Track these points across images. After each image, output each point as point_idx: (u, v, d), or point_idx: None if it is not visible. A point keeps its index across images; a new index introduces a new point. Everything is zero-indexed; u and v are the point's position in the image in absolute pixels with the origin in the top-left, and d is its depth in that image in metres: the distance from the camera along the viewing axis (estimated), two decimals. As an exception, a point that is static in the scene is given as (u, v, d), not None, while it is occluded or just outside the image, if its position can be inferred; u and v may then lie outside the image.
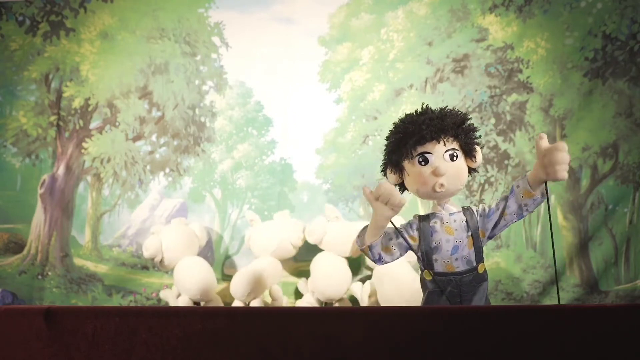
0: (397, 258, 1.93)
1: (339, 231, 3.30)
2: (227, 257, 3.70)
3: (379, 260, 1.89)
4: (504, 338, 1.29)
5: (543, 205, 3.55)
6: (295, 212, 3.67)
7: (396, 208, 1.75)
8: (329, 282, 3.23)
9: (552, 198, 3.53)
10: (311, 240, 3.35)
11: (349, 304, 3.30)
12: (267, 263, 3.36)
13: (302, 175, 3.75)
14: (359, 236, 1.90)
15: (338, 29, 3.80)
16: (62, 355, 1.33)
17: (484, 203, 2.05)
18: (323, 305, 3.28)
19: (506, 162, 3.55)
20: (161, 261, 3.40)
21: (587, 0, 3.53)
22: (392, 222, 1.84)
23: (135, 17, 3.88)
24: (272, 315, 1.43)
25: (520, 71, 3.60)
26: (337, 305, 3.28)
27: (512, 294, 3.41)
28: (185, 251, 3.42)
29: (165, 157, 3.86)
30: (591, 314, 1.33)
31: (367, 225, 1.88)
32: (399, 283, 3.10)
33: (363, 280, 3.35)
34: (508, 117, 3.58)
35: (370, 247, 1.87)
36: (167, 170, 3.85)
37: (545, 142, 1.74)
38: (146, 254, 3.41)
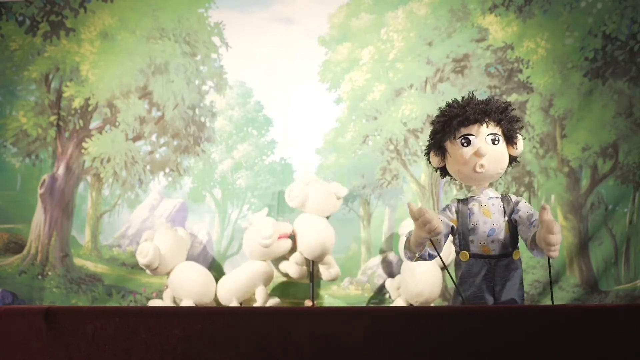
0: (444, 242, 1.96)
1: (317, 193, 3.40)
2: (228, 257, 3.70)
3: (430, 257, 1.92)
4: (504, 338, 1.29)
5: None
6: (295, 212, 3.66)
7: (432, 234, 1.77)
8: (316, 241, 3.32)
9: (552, 197, 3.54)
10: (293, 205, 3.43)
11: (334, 263, 3.43)
12: (251, 266, 3.40)
13: (302, 175, 3.74)
14: (404, 247, 1.93)
15: (338, 29, 3.80)
16: (62, 355, 1.33)
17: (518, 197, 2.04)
18: (310, 264, 3.41)
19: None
20: (156, 268, 3.32)
21: (587, 0, 3.53)
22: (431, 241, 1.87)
23: (135, 17, 3.88)
24: (272, 315, 1.43)
25: (520, 71, 3.60)
26: (324, 266, 3.42)
27: (512, 294, 3.41)
28: (177, 257, 3.42)
29: (165, 157, 3.86)
30: (591, 314, 1.33)
31: (408, 237, 1.90)
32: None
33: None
34: (508, 117, 3.58)
35: (420, 257, 1.91)
36: (167, 170, 3.85)
37: (545, 215, 1.73)
38: (144, 260, 3.26)
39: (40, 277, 3.74)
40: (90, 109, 3.88)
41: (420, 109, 3.58)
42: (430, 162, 2.01)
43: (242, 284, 3.37)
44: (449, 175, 2.02)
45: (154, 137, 3.87)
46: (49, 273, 3.73)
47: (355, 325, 1.34)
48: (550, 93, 3.56)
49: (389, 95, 3.69)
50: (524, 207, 1.92)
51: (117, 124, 3.86)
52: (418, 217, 1.76)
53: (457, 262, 1.95)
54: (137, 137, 3.86)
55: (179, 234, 3.52)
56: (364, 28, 3.77)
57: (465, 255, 1.89)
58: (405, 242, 1.92)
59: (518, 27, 3.61)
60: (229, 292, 3.37)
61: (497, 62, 3.63)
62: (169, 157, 3.86)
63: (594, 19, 3.52)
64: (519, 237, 1.91)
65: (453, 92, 3.62)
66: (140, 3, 3.90)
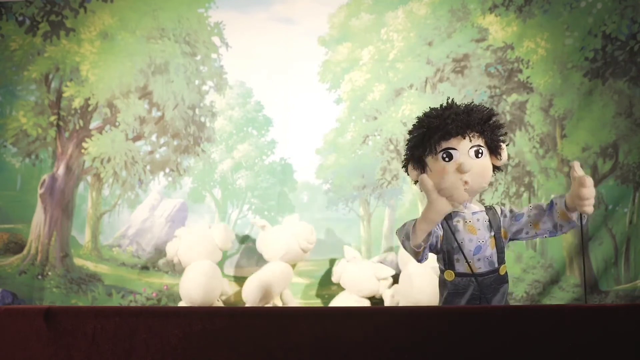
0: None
1: (354, 271, 3.33)
2: (227, 257, 3.70)
3: (423, 259, 1.81)
4: (504, 338, 1.29)
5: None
6: (295, 212, 3.66)
7: (456, 204, 1.69)
8: None
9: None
10: (334, 280, 3.40)
11: None
12: (278, 268, 3.37)
13: (302, 175, 3.75)
14: (407, 238, 1.79)
15: (338, 29, 3.80)
16: (62, 355, 1.33)
17: (502, 205, 1.98)
18: None
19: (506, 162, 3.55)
20: (179, 263, 3.46)
21: (587, 0, 3.53)
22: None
23: (135, 17, 3.88)
24: (272, 315, 1.43)
25: (520, 71, 3.60)
26: None
27: (512, 294, 3.41)
28: (200, 255, 3.40)
29: (165, 157, 3.86)
30: (591, 314, 1.33)
31: (407, 224, 1.80)
32: (422, 285, 3.14)
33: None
34: (508, 117, 3.58)
35: (423, 249, 1.78)
36: (167, 170, 3.85)
37: (577, 171, 1.67)
38: (167, 256, 3.53)
39: (40, 277, 3.74)
40: (90, 109, 3.88)
41: (420, 109, 3.51)
42: (408, 174, 1.90)
43: (276, 285, 3.35)
44: None
45: (154, 137, 3.87)
46: (49, 273, 3.73)
47: (355, 325, 1.33)
48: (550, 93, 3.56)
49: (389, 95, 3.69)
50: (517, 213, 1.84)
51: (117, 124, 3.86)
52: (443, 185, 1.66)
53: (442, 281, 1.85)
54: (137, 137, 3.86)
55: (208, 233, 3.48)
56: (364, 28, 3.77)
57: (450, 275, 1.80)
58: (407, 234, 1.78)
59: (518, 27, 3.61)
60: (253, 292, 3.32)
61: (497, 62, 3.63)
62: (169, 157, 3.86)
63: (594, 19, 3.52)
64: (541, 228, 1.81)
65: (453, 92, 3.62)
66: (140, 3, 3.90)
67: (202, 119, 3.86)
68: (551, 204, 1.81)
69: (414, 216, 1.74)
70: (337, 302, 3.37)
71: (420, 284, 3.14)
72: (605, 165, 3.48)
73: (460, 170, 1.74)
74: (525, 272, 3.41)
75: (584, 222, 1.79)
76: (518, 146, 3.56)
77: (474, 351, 1.28)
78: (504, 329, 1.30)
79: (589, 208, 1.68)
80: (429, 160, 1.80)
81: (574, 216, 1.76)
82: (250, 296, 3.29)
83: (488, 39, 3.64)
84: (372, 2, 3.78)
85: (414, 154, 1.84)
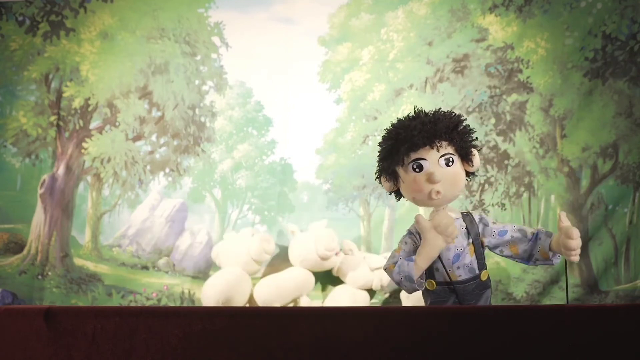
0: None
1: (350, 264, 3.37)
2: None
3: (420, 286, 1.79)
4: (504, 338, 1.29)
5: (544, 204, 3.56)
6: (295, 212, 3.67)
7: (450, 240, 1.68)
8: None
9: (552, 197, 3.54)
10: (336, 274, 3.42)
11: None
12: (295, 273, 3.39)
13: (302, 175, 3.75)
14: (407, 279, 1.73)
15: (338, 29, 3.80)
16: (62, 355, 1.33)
17: (484, 211, 1.98)
18: None
19: (506, 162, 3.55)
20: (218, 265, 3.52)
21: (587, 0, 3.53)
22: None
23: (135, 17, 3.88)
24: (272, 315, 1.43)
25: (520, 71, 3.60)
26: None
27: (512, 294, 3.41)
28: (234, 261, 3.42)
29: (165, 157, 3.86)
30: (591, 314, 1.33)
31: (401, 265, 1.75)
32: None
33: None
34: (508, 117, 3.58)
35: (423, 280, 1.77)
36: (167, 170, 3.85)
37: (563, 221, 1.66)
38: (212, 254, 3.58)
39: (40, 277, 3.74)
40: (90, 109, 3.88)
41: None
42: (382, 186, 1.87)
43: (289, 289, 3.36)
44: (404, 197, 1.88)
45: (154, 137, 3.87)
46: (49, 273, 3.73)
47: (355, 325, 1.33)
48: (550, 93, 3.56)
49: (389, 95, 3.70)
50: (500, 228, 1.80)
51: (117, 124, 3.86)
52: (435, 225, 1.66)
53: (425, 291, 1.82)
54: (137, 137, 3.86)
55: (248, 240, 3.47)
56: (364, 28, 3.77)
57: (431, 284, 1.78)
58: (407, 277, 1.72)
59: (518, 27, 3.61)
60: (270, 295, 3.35)
61: (497, 62, 3.63)
62: (169, 157, 3.86)
63: (594, 19, 3.52)
64: (519, 253, 1.79)
65: (453, 92, 3.63)
66: (140, 3, 3.90)
67: (202, 119, 3.86)
68: (536, 236, 1.78)
69: (414, 216, 1.73)
70: (335, 294, 3.40)
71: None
72: (605, 165, 3.48)
73: (430, 180, 1.73)
74: (525, 272, 3.41)
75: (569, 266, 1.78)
76: (518, 146, 3.56)
77: (474, 351, 1.28)
78: (504, 329, 1.30)
79: (576, 258, 1.67)
80: (400, 171, 1.78)
81: (555, 259, 1.75)
82: (259, 297, 3.34)
83: (488, 39, 3.64)
84: (372, 2, 3.78)
85: (384, 166, 1.82)
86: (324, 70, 3.79)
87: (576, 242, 1.65)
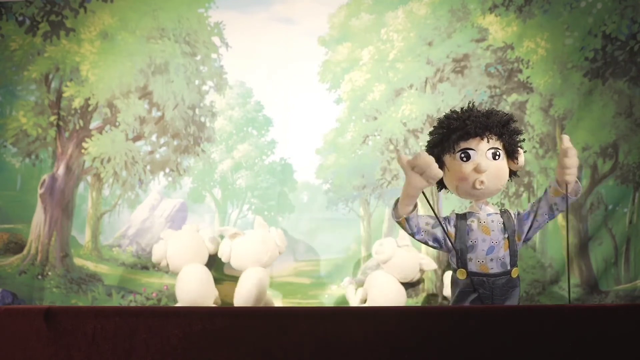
0: (429, 243, 1.91)
1: (405, 258, 3.30)
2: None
3: (417, 234, 1.87)
4: (504, 338, 1.29)
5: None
6: (296, 212, 3.67)
7: (431, 180, 1.73)
8: (385, 301, 3.21)
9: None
10: (379, 259, 3.33)
11: None
12: (259, 273, 3.32)
13: (302, 175, 3.75)
14: (393, 209, 1.87)
15: (338, 29, 3.80)
16: (62, 355, 1.33)
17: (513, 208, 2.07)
18: None
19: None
20: (167, 266, 3.42)
21: (587, 0, 3.53)
22: (423, 193, 1.81)
23: (135, 17, 3.88)
24: (272, 315, 1.43)
25: (520, 71, 3.60)
26: None
27: (512, 294, 3.41)
28: (191, 258, 3.39)
29: (165, 157, 3.86)
30: (591, 314, 1.33)
31: (399, 198, 1.85)
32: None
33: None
34: (508, 117, 3.58)
35: (407, 220, 1.85)
36: (167, 170, 3.85)
37: (565, 143, 1.76)
38: (153, 258, 3.47)
39: (40, 277, 3.74)
40: (90, 109, 3.88)
41: (420, 109, 3.58)
42: None
43: (258, 290, 3.31)
44: (446, 188, 1.97)
45: (154, 137, 3.87)
46: (49, 273, 3.73)
47: (355, 325, 1.34)
48: (550, 93, 3.56)
49: (389, 95, 3.69)
50: (521, 211, 1.93)
51: (117, 124, 3.86)
52: (413, 165, 1.70)
53: (454, 280, 1.90)
54: (137, 137, 3.86)
55: (198, 236, 3.46)
56: (364, 28, 3.77)
57: (463, 273, 1.85)
58: (395, 202, 1.86)
59: (518, 27, 3.61)
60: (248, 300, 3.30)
61: (497, 62, 3.63)
62: (169, 157, 3.86)
63: (594, 19, 3.52)
64: (541, 214, 1.89)
65: (453, 92, 3.62)
66: (140, 3, 3.90)
67: (202, 119, 3.86)
68: (545, 189, 1.90)
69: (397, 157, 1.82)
70: (374, 277, 3.34)
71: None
72: (605, 165, 3.48)
73: (477, 170, 1.82)
74: (525, 272, 3.41)
75: (569, 201, 1.85)
76: (518, 146, 3.56)
77: (474, 351, 1.28)
78: (504, 329, 1.30)
79: (570, 177, 1.77)
80: (447, 159, 1.87)
81: (566, 189, 1.83)
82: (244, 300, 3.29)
83: (488, 39, 3.64)
84: (372, 2, 3.77)
85: (433, 152, 1.88)
86: (324, 70, 3.79)
87: (572, 160, 1.75)
